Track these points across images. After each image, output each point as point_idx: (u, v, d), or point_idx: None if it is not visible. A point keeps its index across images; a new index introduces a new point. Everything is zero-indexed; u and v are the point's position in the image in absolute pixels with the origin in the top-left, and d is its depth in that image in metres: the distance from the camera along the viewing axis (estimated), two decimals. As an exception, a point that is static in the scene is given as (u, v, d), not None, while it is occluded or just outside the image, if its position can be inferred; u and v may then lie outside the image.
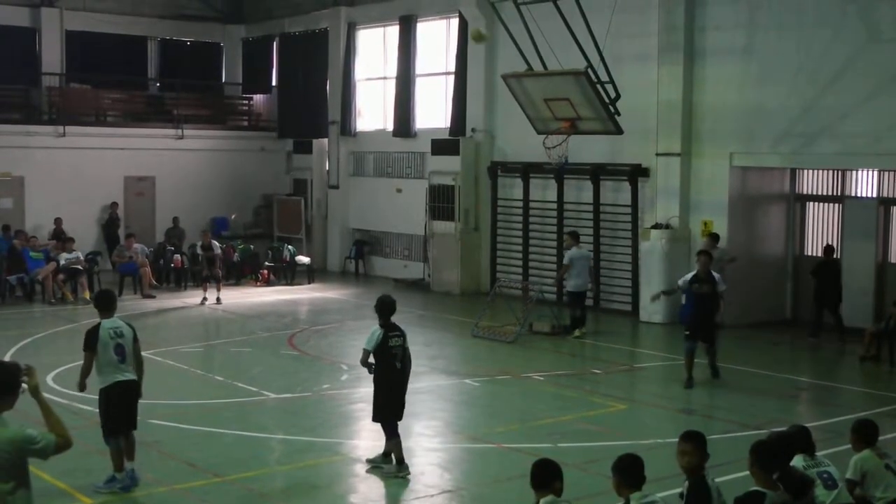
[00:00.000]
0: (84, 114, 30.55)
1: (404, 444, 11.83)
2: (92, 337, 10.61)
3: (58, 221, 27.49)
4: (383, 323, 11.42)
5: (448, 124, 26.93)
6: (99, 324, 10.69)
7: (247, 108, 34.23)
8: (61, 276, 24.13)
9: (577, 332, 20.03)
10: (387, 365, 11.42)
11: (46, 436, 6.26)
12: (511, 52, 21.61)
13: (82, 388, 10.78)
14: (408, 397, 13.69)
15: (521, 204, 25.16)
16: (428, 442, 13.06)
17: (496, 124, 25.99)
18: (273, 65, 33.09)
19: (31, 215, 28.12)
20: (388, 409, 11.51)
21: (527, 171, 24.71)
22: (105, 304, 10.95)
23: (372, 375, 11.53)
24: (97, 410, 10.91)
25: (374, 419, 11.63)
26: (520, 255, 25.27)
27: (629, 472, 6.71)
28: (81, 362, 10.84)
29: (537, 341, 19.73)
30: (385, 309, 11.50)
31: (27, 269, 24.25)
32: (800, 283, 21.67)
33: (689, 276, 15.99)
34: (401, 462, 11.45)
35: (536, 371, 17.06)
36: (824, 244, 20.64)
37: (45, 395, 6.51)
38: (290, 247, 28.68)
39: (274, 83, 33.06)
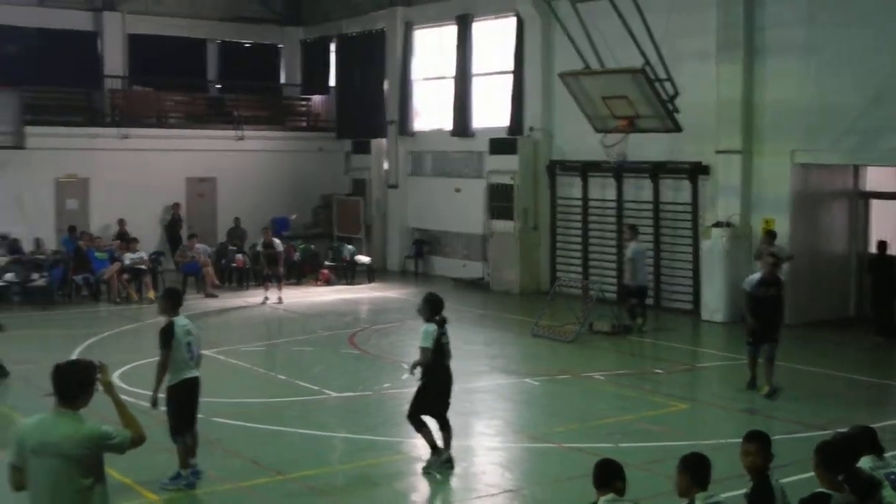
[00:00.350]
0: (146, 116, 30.95)
1: (465, 444, 11.88)
2: (168, 335, 10.74)
3: (122, 222, 27.90)
4: (435, 320, 11.46)
5: (506, 123, 26.94)
6: (172, 322, 10.84)
7: (305, 108, 34.47)
8: (126, 276, 24.53)
9: (638, 321, 20.08)
10: (441, 363, 11.49)
11: (122, 432, 6.41)
12: (568, 51, 21.55)
13: (156, 402, 10.84)
14: (469, 396, 13.73)
15: (580, 203, 25.13)
16: (489, 441, 13.10)
17: (554, 123, 25.95)
18: (331, 66, 33.29)
19: (96, 216, 28.57)
20: (438, 406, 11.57)
21: (585, 169, 24.67)
22: (175, 302, 11.13)
23: (417, 373, 11.55)
24: (164, 408, 11.04)
25: (418, 414, 11.55)
26: (579, 254, 25.23)
27: (697, 471, 6.64)
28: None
29: (597, 341, 19.67)
30: (437, 306, 11.55)
31: (93, 270, 24.69)
32: (864, 281, 21.38)
33: (754, 278, 15.57)
34: (435, 447, 11.53)
35: (597, 370, 17.01)
36: (880, 240, 20.38)
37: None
38: (349, 246, 28.88)
39: (332, 84, 33.26)
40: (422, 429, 11.55)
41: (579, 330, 19.69)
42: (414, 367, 11.55)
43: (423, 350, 11.36)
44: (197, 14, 32.73)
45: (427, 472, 11.51)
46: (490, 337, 20.26)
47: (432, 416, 11.62)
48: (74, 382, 6.35)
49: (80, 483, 6.25)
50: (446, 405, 11.64)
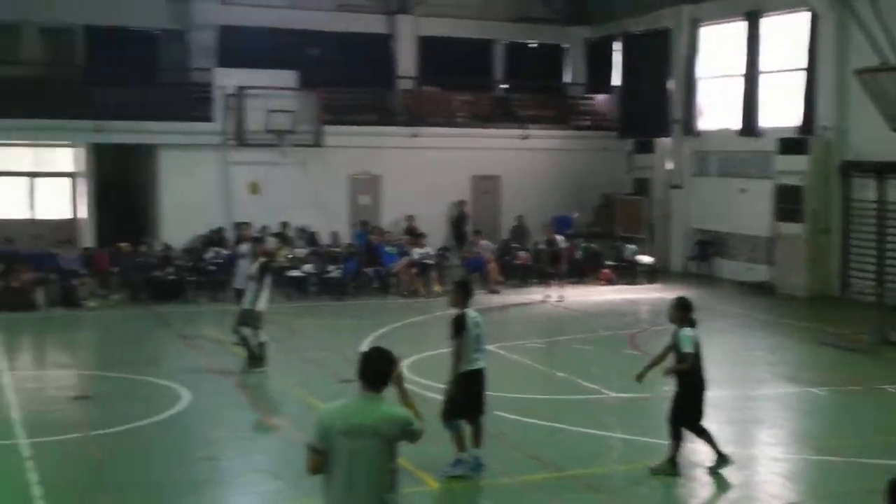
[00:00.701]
0: (435, 115, 31.88)
1: (746, 452, 11.68)
2: (461, 324, 11.12)
3: (410, 218, 28.95)
4: (691, 324, 11.29)
5: (796, 122, 26.07)
6: (464, 313, 11.22)
7: (589, 108, 34.56)
8: (414, 270, 25.51)
9: None
10: (701, 368, 11.34)
11: (416, 420, 6.70)
12: (864, 47, 20.68)
13: (455, 382, 11.17)
14: (750, 403, 13.47)
15: (874, 206, 24.00)
16: (770, 451, 12.81)
17: (848, 122, 24.86)
18: (615, 65, 33.25)
19: (387, 212, 29.75)
20: (696, 413, 11.39)
21: (882, 171, 23.54)
22: (466, 294, 11.47)
23: (677, 379, 11.39)
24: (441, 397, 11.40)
25: (686, 424, 11.38)
26: (874, 260, 24.09)
27: None
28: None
29: (892, 351, 18.67)
30: (690, 310, 11.39)
31: (383, 263, 25.84)
32: None
33: None
34: (673, 461, 11.39)
35: (891, 383, 16.19)
36: None
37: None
38: (631, 246, 28.79)
39: (616, 83, 33.21)
40: (677, 438, 11.41)
41: (872, 339, 18.82)
42: (668, 372, 11.43)
43: (687, 356, 11.17)
44: (484, 16, 33.50)
45: (654, 473, 11.40)
46: (773, 343, 19.71)
47: (687, 423, 11.45)
48: (382, 369, 6.63)
49: (388, 465, 6.55)
50: (701, 412, 11.43)
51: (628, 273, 28.05)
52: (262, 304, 16.48)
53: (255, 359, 16.56)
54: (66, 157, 28.29)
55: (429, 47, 32.78)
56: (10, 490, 11.07)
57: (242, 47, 29.07)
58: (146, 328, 21.16)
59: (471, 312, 11.27)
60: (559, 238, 25.50)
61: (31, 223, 27.49)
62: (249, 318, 16.47)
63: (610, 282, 27.55)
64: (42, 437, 12.77)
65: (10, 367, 17.29)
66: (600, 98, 34.04)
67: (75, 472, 11.78)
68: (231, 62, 28.45)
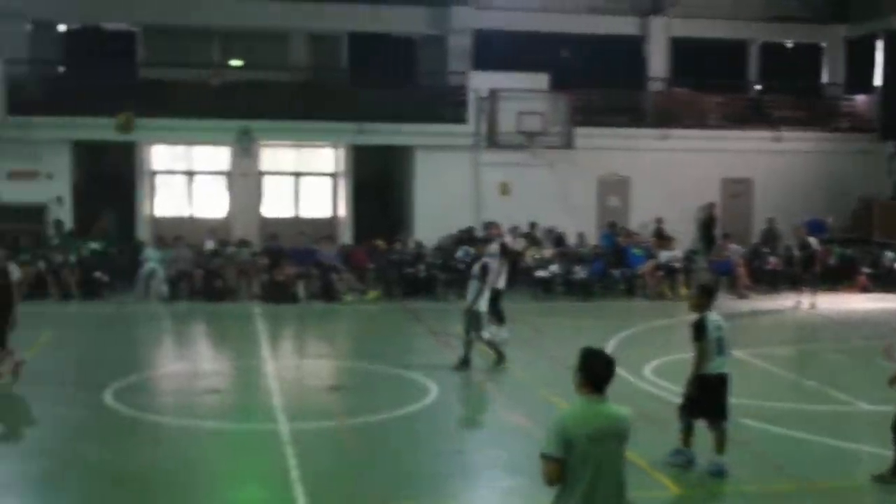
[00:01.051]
0: (685, 117, 31.49)
1: None
2: (701, 328, 11.20)
3: (659, 220, 28.78)
4: None
5: None
6: (704, 316, 11.28)
7: (848, 109, 33.31)
8: (660, 273, 25.40)
9: None
10: None
11: None
12: None
13: (693, 383, 11.25)
14: None
15: None
16: None
17: None
18: (877, 63, 31.92)
19: (635, 214, 29.65)
20: None
21: None
22: (708, 298, 11.52)
23: None
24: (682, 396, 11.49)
25: None
26: None
27: None
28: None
29: None
30: None
31: (629, 265, 25.86)
32: None
33: None
34: None
35: None
36: None
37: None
38: (890, 253, 27.62)
39: (878, 83, 31.88)
40: None
41: None
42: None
43: None
44: (739, 15, 32.86)
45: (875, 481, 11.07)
46: None
47: None
48: (607, 371, 6.83)
49: (624, 465, 6.78)
50: None
51: (886, 281, 26.91)
52: (482, 305, 16.67)
53: (465, 362, 16.77)
54: (327, 157, 29.73)
55: (681, 48, 32.52)
56: (270, 472, 11.86)
57: (496, 50, 29.77)
58: (399, 323, 22.06)
59: (712, 316, 11.30)
60: (812, 240, 24.74)
61: (295, 220, 29.06)
62: (472, 320, 16.70)
63: (865, 290, 26.52)
64: (300, 423, 13.56)
65: (273, 355, 18.45)
66: (860, 99, 32.77)
67: (329, 458, 12.44)
68: (485, 65, 29.21)
